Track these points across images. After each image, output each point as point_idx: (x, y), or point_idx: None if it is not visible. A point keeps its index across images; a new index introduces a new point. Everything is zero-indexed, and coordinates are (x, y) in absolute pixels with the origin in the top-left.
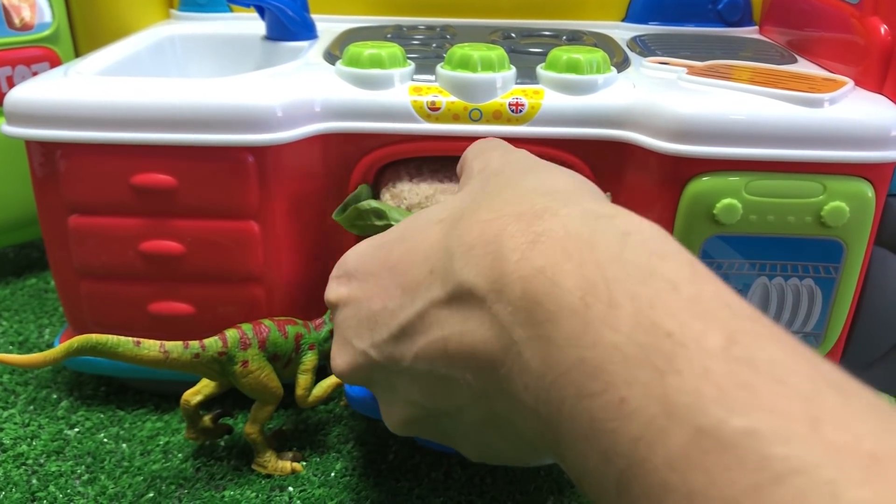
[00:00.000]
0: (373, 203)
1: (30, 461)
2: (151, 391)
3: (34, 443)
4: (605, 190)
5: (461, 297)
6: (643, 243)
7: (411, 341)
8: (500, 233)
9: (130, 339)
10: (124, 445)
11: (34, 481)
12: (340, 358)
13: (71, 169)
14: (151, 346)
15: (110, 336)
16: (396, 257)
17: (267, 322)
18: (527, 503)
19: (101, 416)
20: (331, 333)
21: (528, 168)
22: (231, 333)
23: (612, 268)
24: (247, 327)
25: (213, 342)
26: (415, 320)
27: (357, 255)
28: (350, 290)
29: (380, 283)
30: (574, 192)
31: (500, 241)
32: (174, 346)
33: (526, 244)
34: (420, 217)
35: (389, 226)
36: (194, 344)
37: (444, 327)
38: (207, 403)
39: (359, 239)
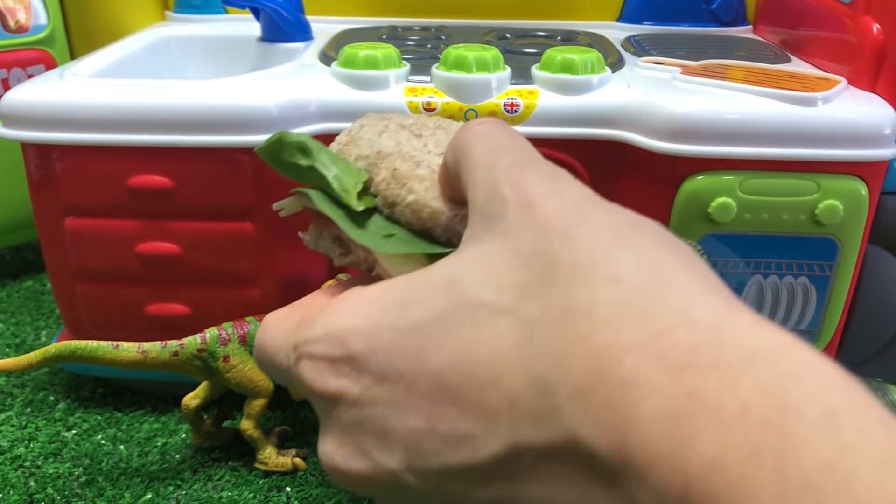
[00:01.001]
0: (302, 137)
1: (27, 463)
2: (149, 392)
3: (32, 445)
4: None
5: (576, 457)
6: (861, 434)
7: (487, 485)
8: (631, 377)
9: (109, 342)
10: (122, 447)
11: (32, 483)
12: (348, 463)
13: (67, 171)
14: (129, 348)
15: (89, 341)
16: (440, 362)
17: (249, 318)
18: None
19: (99, 417)
20: None
21: (609, 230)
22: (210, 331)
23: (827, 484)
24: (227, 324)
25: (191, 340)
26: (493, 463)
27: (366, 337)
28: (361, 388)
29: (415, 391)
30: (695, 278)
31: (629, 393)
32: (152, 346)
33: (677, 410)
34: (458, 291)
35: (313, 168)
36: (172, 343)
37: (549, 485)
38: (207, 407)
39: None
